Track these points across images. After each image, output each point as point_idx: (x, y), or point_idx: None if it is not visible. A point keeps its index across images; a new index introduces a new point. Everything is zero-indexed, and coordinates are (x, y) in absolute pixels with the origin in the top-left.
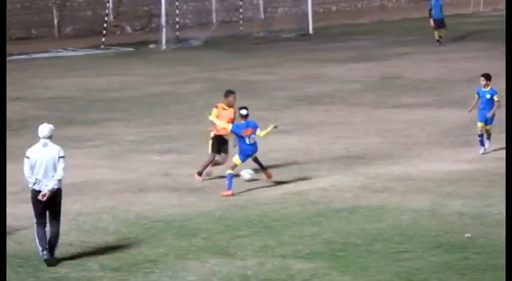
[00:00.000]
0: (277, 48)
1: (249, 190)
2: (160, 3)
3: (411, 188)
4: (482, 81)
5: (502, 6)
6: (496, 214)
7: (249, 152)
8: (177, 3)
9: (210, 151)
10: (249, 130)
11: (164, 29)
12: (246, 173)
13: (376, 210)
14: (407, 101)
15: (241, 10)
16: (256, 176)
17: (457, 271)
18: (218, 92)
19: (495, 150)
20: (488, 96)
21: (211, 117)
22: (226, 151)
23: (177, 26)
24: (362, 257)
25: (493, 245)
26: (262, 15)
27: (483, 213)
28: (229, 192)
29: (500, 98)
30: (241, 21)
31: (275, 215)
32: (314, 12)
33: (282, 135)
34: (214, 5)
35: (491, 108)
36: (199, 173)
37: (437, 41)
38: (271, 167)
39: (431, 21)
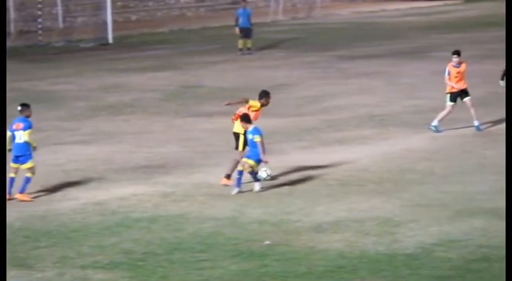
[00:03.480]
0: (76, 57)
1: (49, 200)
2: None
3: (211, 196)
4: (243, 125)
5: (302, 14)
6: (296, 221)
7: (15, 152)
8: None
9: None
10: (19, 125)
11: None
12: (263, 172)
13: (177, 219)
14: (208, 110)
15: (39, 20)
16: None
17: (257, 278)
18: (18, 103)
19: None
20: (250, 136)
21: None
22: (237, 147)
23: None
24: (162, 267)
25: (293, 252)
26: (61, 25)
27: (283, 220)
28: (26, 197)
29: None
30: (39, 31)
31: (75, 225)
32: (114, 21)
33: (81, 146)
34: (12, 15)
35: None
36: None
37: (240, 49)
38: (71, 177)
39: (237, 29)
